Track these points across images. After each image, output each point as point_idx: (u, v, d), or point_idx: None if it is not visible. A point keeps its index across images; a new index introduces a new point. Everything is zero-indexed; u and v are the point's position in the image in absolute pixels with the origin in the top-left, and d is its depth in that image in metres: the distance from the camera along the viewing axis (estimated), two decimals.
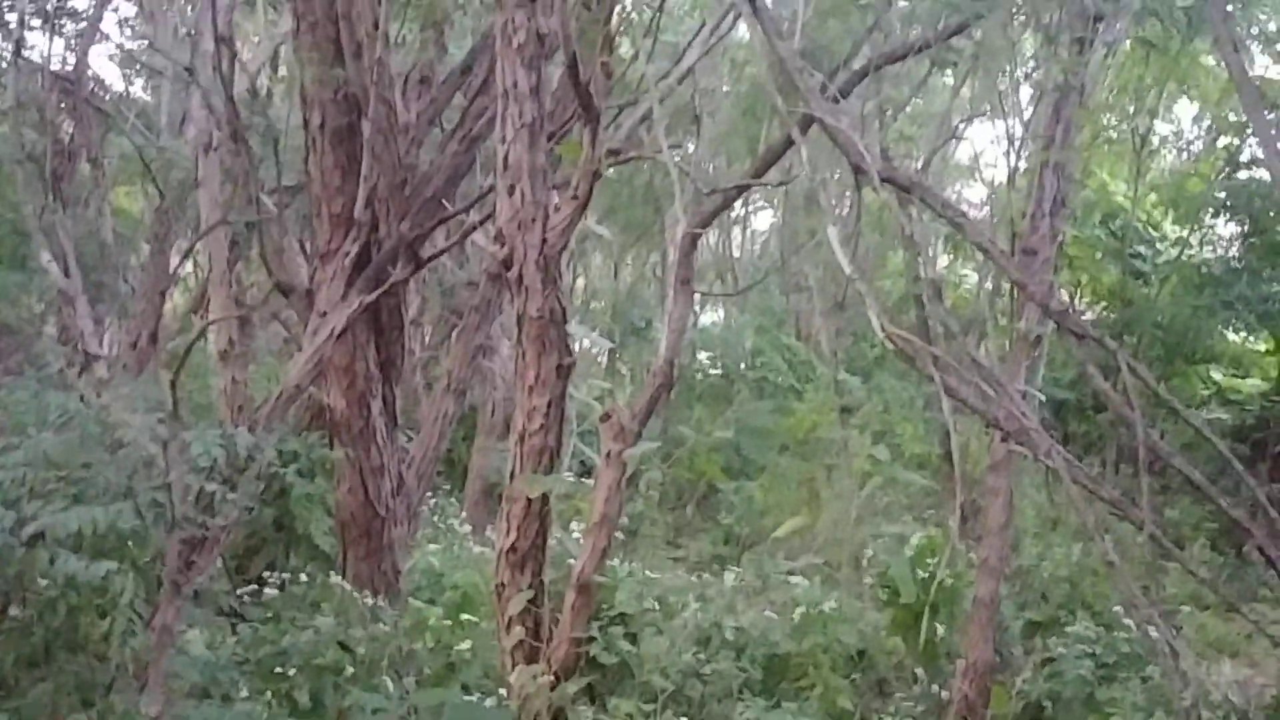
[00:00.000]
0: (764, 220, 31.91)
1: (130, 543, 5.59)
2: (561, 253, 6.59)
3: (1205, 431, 5.95)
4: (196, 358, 10.88)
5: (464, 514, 15.89)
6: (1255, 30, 17.37)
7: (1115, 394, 5.99)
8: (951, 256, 24.20)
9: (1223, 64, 16.43)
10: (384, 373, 9.03)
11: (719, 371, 25.01)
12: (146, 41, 16.45)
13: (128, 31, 17.49)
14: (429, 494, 13.40)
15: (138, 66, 17.47)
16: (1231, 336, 19.72)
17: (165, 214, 13.02)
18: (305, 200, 9.85)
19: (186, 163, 12.58)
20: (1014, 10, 15.77)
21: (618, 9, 10.88)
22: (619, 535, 14.82)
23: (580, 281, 28.98)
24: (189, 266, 18.00)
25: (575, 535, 8.80)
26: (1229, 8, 15.76)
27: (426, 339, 19.85)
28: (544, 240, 6.38)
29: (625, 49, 11.76)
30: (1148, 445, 5.54)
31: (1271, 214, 16.71)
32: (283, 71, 18.06)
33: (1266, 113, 16.61)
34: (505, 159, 6.43)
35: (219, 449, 5.92)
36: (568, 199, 6.51)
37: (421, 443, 10.47)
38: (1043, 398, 11.95)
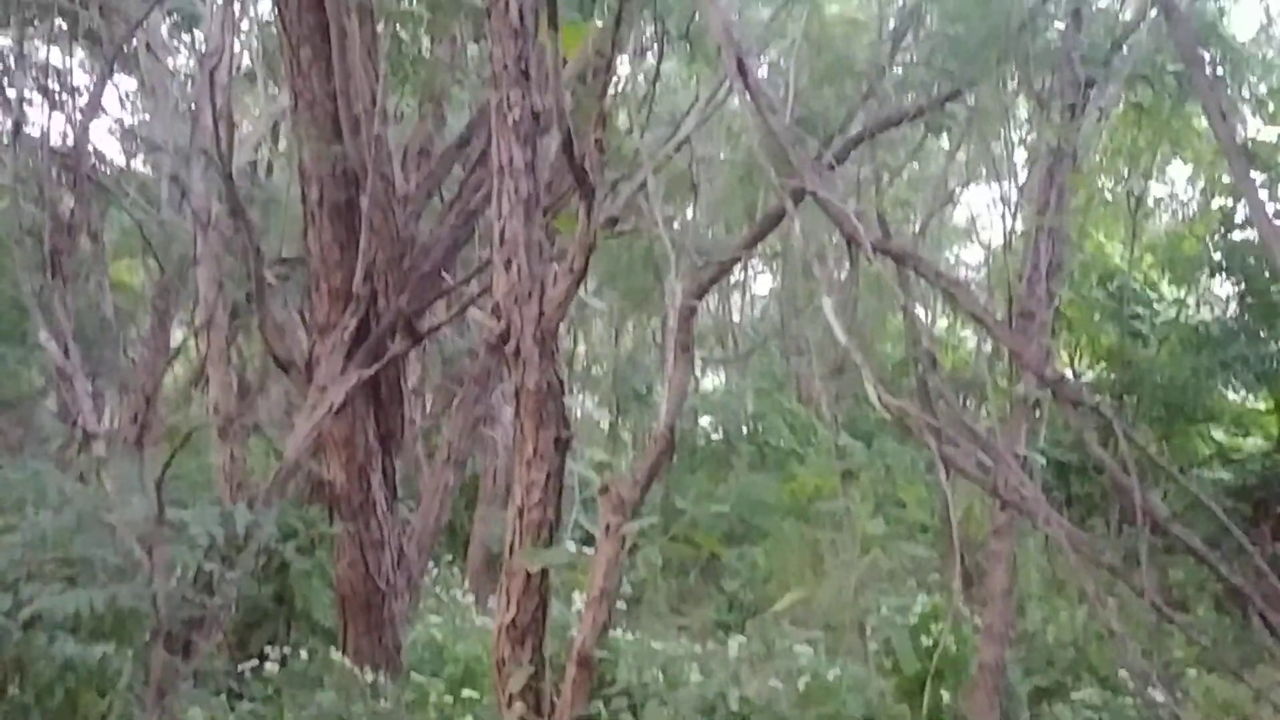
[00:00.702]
0: (764, 284, 32.09)
1: (128, 624, 5.58)
2: (559, 326, 6.61)
3: (1203, 496, 5.93)
4: (197, 435, 10.87)
5: (467, 584, 15.82)
6: (1246, 93, 17.53)
7: (1112, 460, 5.99)
8: (950, 318, 24.29)
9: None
10: (384, 445, 9.04)
11: (720, 436, 25.02)
12: (147, 116, 16.62)
13: (128, 106, 17.70)
14: (431, 564, 13.35)
15: (138, 141, 17.63)
16: (1231, 396, 19.72)
17: (165, 288, 13.09)
18: (305, 273, 9.92)
19: (186, 237, 12.68)
20: (1006, 76, 15.95)
21: (613, 82, 11.03)
22: (621, 604, 14.76)
23: (581, 348, 29.07)
24: (190, 339, 18.06)
25: (577, 607, 8.77)
26: (1219, 71, 15.95)
27: (428, 408, 19.88)
28: (541, 314, 6.41)
29: (623, 120, 11.90)
30: (1146, 511, 5.53)
31: (1266, 274, 16.76)
32: (283, 144, 18.23)
33: (1258, 175, 16.80)
34: (501, 233, 6.47)
35: (217, 527, 5.93)
36: (564, 272, 6.54)
37: (422, 515, 10.45)
38: (1043, 461, 11.96)
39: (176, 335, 15.78)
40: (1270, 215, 14.12)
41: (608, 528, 6.41)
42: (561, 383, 6.66)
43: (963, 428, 6.37)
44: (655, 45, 11.26)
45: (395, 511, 9.39)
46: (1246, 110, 17.99)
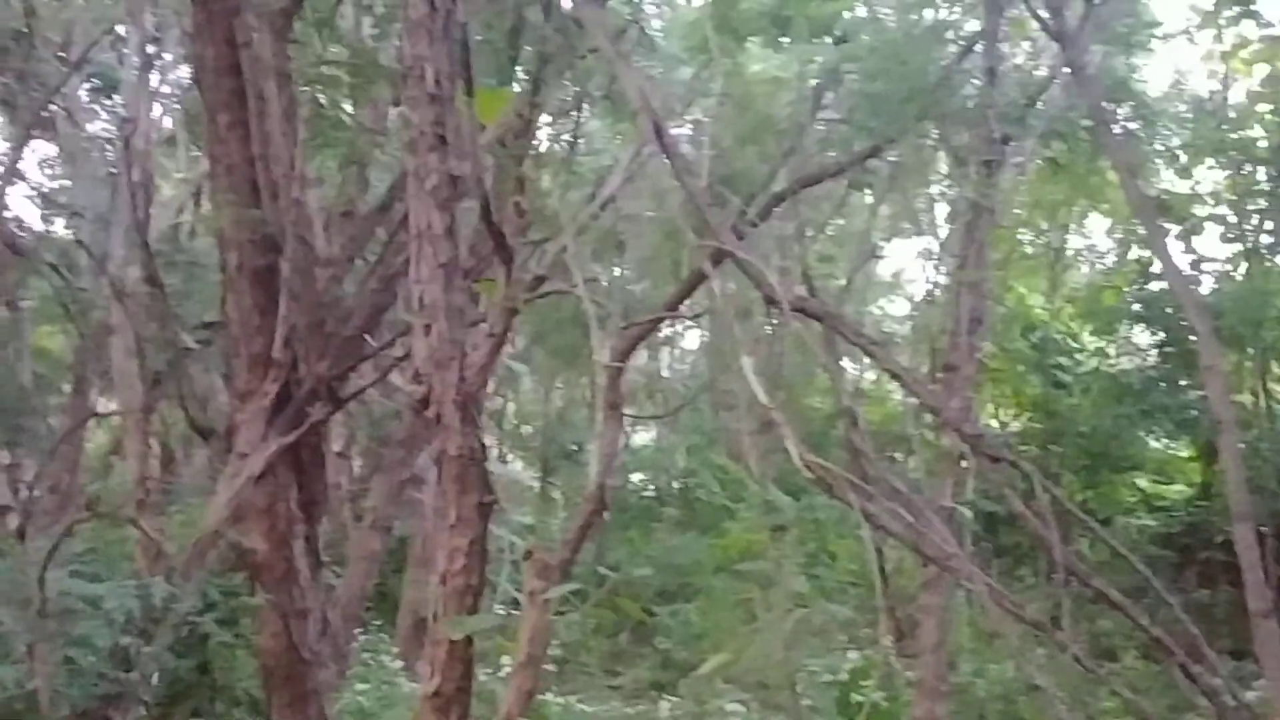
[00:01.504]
0: (693, 339, 32.20)
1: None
2: (480, 390, 6.57)
3: (1120, 548, 6.00)
4: (117, 504, 10.71)
5: (396, 649, 15.63)
6: (1160, 146, 17.94)
7: (1032, 515, 6.03)
8: (878, 372, 24.48)
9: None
10: (306, 513, 8.91)
11: (651, 493, 25.00)
12: (67, 182, 16.45)
13: (48, 171, 17.50)
14: (359, 631, 13.18)
15: (58, 207, 17.43)
16: (1154, 444, 20.03)
17: (84, 356, 12.90)
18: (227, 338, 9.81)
19: (106, 303, 12.52)
20: (925, 133, 16.22)
21: (535, 143, 11.08)
22: (552, 666, 14.64)
23: (511, 407, 28.97)
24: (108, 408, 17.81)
25: (505, 673, 8.68)
26: (1131, 126, 16.32)
27: (355, 471, 19.68)
28: (462, 379, 6.36)
29: (547, 180, 11.96)
30: (1066, 565, 5.58)
31: (1184, 324, 17.10)
32: (206, 208, 18.09)
33: (1173, 226, 17.16)
34: (420, 299, 6.42)
35: (134, 601, 5.81)
36: (485, 336, 6.51)
37: (348, 581, 10.33)
38: (969, 514, 12.06)
39: (98, 403, 15.54)
40: (1182, 268, 14.43)
41: (533, 593, 6.35)
42: (484, 447, 6.60)
43: (885, 484, 6.40)
44: (576, 107, 11.32)
45: (319, 579, 9.24)
46: (1161, 163, 18.42)
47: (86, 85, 16.69)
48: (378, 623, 16.73)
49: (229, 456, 8.57)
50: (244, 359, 8.59)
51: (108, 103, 17.71)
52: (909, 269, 24.88)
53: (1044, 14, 11.10)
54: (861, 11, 17.39)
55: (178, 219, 17.49)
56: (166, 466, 18.89)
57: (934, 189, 20.19)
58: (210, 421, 9.11)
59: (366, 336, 9.52)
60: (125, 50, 15.10)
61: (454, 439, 6.32)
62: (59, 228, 17.89)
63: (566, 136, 14.34)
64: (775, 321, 17.17)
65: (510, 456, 28.19)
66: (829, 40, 16.74)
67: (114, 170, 13.43)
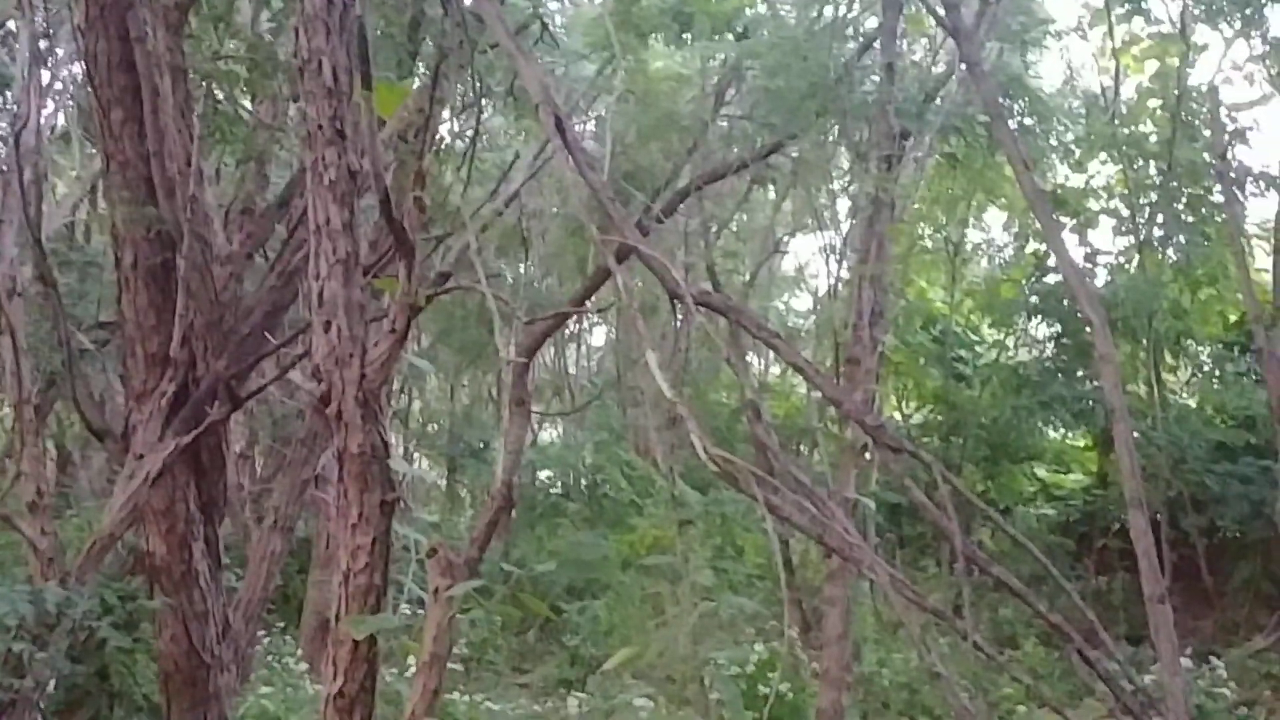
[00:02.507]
0: (599, 335, 32.20)
1: None
2: (381, 387, 6.51)
3: (1019, 536, 6.10)
4: (10, 506, 10.44)
5: (300, 651, 15.46)
6: (1054, 141, 18.29)
7: (933, 506, 6.11)
8: (783, 368, 24.67)
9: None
10: (206, 514, 8.77)
11: (559, 490, 24.96)
12: None
13: None
14: (262, 633, 13.01)
15: None
16: (1052, 434, 20.41)
17: None
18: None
19: None
20: (827, 129, 16.38)
21: (436, 138, 10.99)
22: (459, 666, 14.57)
23: (416, 404, 28.76)
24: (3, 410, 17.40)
25: (410, 673, 8.62)
26: (1026, 122, 16.62)
27: (258, 471, 19.43)
28: (362, 376, 6.29)
29: (449, 176, 11.86)
30: (966, 555, 5.65)
31: (1079, 316, 17.44)
32: (101, 206, 17.74)
33: (1067, 220, 17.50)
34: (320, 295, 6.35)
35: (27, 606, 5.68)
36: (386, 333, 6.45)
37: (249, 583, 10.18)
38: (872, 505, 12.20)
39: None
40: (1076, 261, 14.68)
41: (435, 591, 6.31)
42: (386, 445, 6.54)
43: (789, 477, 6.44)
44: (477, 102, 11.24)
45: (220, 581, 9.10)
46: (1055, 158, 18.77)
47: None
48: (281, 625, 16.54)
49: (126, 458, 8.42)
50: (140, 358, 8.44)
51: None
52: (812, 264, 25.06)
53: (940, 11, 11.24)
54: (762, 8, 17.53)
55: (72, 217, 17.12)
56: (63, 469, 18.51)
57: (836, 184, 20.39)
58: (107, 423, 8.92)
59: (266, 334, 9.39)
60: (15, 45, 14.75)
61: (355, 436, 6.26)
62: None
63: (468, 132, 14.25)
64: (680, 317, 17.26)
65: (416, 455, 27.99)
66: (730, 37, 16.83)
67: (4, 168, 13.09)
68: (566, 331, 27.07)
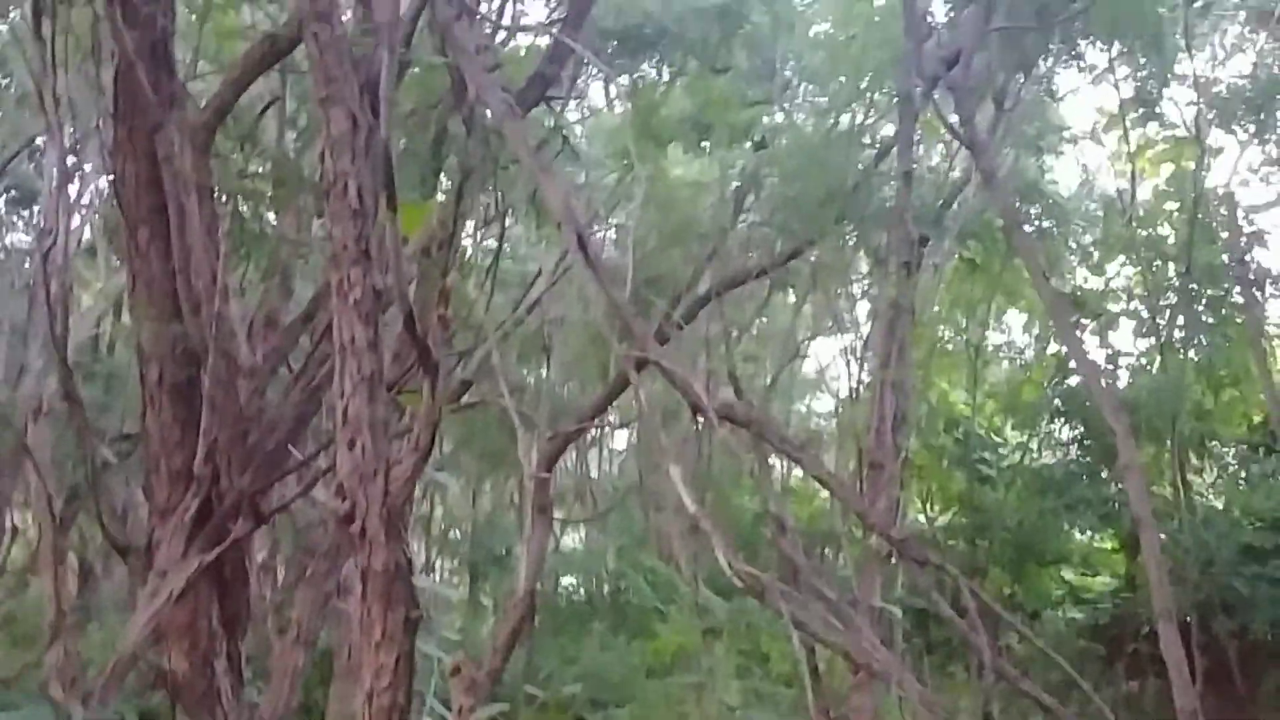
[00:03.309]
0: (621, 439, 32.15)
1: None
2: (405, 504, 6.52)
3: (1048, 649, 6.04)
4: (32, 621, 10.43)
5: None
6: (1073, 244, 18.38)
7: (959, 617, 6.07)
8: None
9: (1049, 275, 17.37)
10: (228, 630, 8.74)
11: (582, 597, 24.79)
12: None
13: None
14: None
15: None
16: (1078, 536, 20.22)
17: (0, 472, 12.65)
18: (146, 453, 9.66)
19: (23, 416, 12.32)
20: (845, 234, 16.51)
21: (459, 251, 11.11)
22: None
23: (438, 511, 28.69)
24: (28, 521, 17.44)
25: None
26: (1044, 224, 16.72)
27: (279, 581, 19.33)
28: (386, 492, 6.30)
29: (472, 286, 11.97)
30: (995, 669, 5.60)
31: (1102, 418, 17.39)
32: (125, 318, 17.93)
33: (1087, 321, 17.51)
34: (345, 412, 6.38)
35: None
36: (409, 450, 6.47)
37: (271, 698, 10.08)
38: (898, 612, 12.08)
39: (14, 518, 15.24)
40: (1098, 362, 14.61)
41: (460, 710, 6.27)
42: (410, 562, 6.54)
43: (814, 588, 6.41)
44: (500, 215, 11.38)
45: (242, 697, 9.04)
46: (1074, 260, 18.86)
47: (4, 195, 16.56)
48: None
49: (149, 574, 8.41)
50: (164, 474, 8.48)
51: (25, 213, 17.59)
52: (833, 366, 25.06)
53: (955, 124, 11.40)
54: (779, 117, 17.73)
55: (97, 330, 17.31)
56: (85, 581, 18.47)
57: (855, 287, 20.50)
58: (129, 537, 8.94)
59: (291, 448, 9.42)
60: (44, 161, 15.05)
61: (379, 554, 6.26)
62: None
63: (491, 242, 14.41)
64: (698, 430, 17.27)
65: (438, 562, 27.88)
66: (749, 145, 17.02)
67: (31, 283, 13.28)
68: (588, 436, 27.05)
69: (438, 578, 26.72)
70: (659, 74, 16.52)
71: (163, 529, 8.33)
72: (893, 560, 13.05)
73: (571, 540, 28.40)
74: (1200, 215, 16.70)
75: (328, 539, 11.08)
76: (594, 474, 30.24)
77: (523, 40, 14.19)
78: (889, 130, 16.28)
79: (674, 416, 18.02)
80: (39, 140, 14.79)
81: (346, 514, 6.38)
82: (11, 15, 13.65)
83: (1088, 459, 18.89)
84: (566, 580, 25.35)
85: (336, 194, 6.33)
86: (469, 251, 12.39)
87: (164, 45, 8.43)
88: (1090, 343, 17.76)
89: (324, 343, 9.51)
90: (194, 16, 9.41)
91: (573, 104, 17.39)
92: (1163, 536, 16.50)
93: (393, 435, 6.76)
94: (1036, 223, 16.63)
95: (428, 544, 27.11)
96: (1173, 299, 17.56)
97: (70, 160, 13.49)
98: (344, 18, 8.18)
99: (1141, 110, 16.95)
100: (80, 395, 9.26)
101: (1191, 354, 17.69)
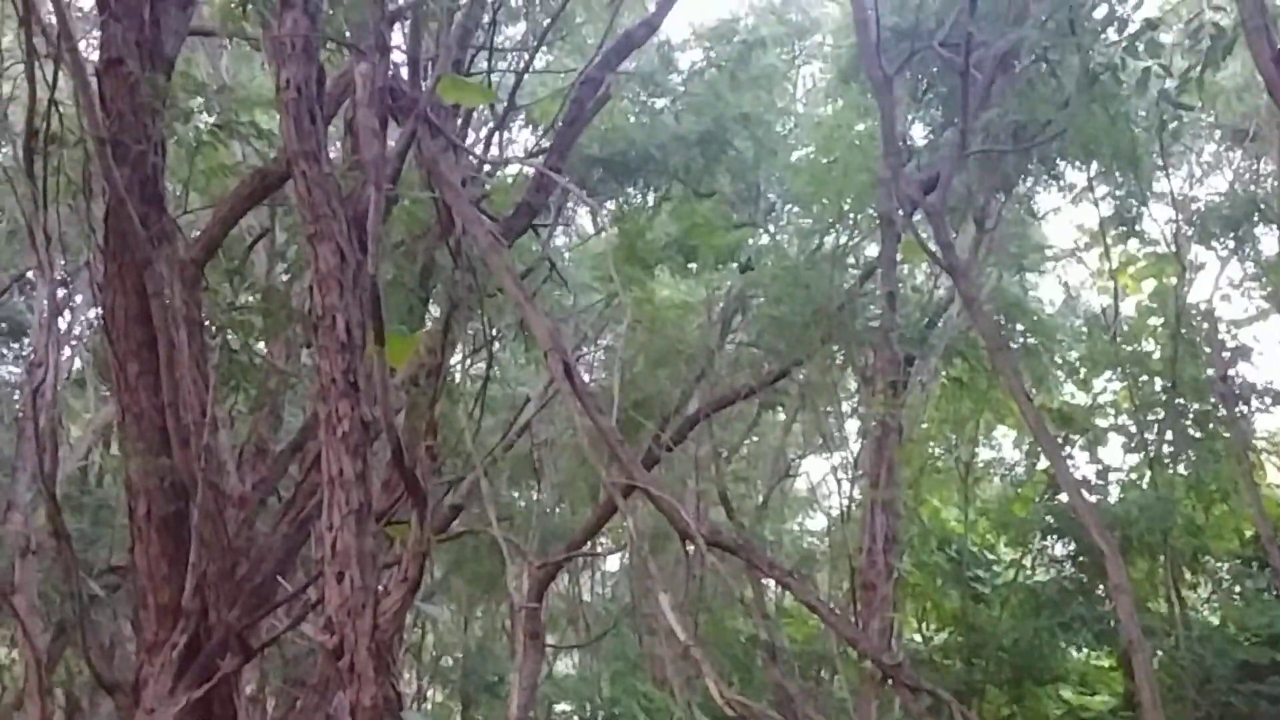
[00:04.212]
0: (613, 561, 31.90)
1: None
2: (394, 637, 6.50)
3: None
4: None
5: None
6: (1059, 359, 18.49)
7: None
8: None
9: (1036, 391, 17.46)
10: None
11: None
12: None
13: None
14: None
15: None
16: (1075, 654, 20.02)
17: None
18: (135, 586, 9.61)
19: (10, 553, 12.26)
20: (832, 354, 16.62)
21: (448, 379, 11.17)
22: None
23: (429, 638, 28.39)
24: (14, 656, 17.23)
25: None
26: (1029, 341, 16.85)
27: (268, 715, 19.05)
28: (375, 626, 6.29)
29: (460, 415, 12.00)
30: None
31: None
32: (115, 449, 17.91)
33: (1076, 437, 17.55)
34: (333, 546, 6.40)
35: None
36: (398, 581, 6.47)
37: None
38: None
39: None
40: (1088, 478, 14.59)
41: None
42: (400, 695, 6.50)
43: (806, 717, 6.38)
44: (488, 342, 11.47)
45: None
46: (1060, 375, 18.96)
47: None
48: None
49: (136, 711, 8.32)
50: (152, 609, 8.42)
51: (14, 346, 17.66)
52: (824, 484, 25.02)
53: (935, 250, 11.56)
54: (764, 239, 17.95)
55: (85, 461, 17.28)
56: (70, 717, 18.20)
57: (844, 406, 20.56)
58: (117, 673, 8.85)
59: (279, 578, 9.37)
60: (34, 294, 15.18)
61: (368, 689, 6.23)
62: None
63: (479, 368, 14.49)
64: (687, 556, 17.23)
65: (430, 692, 27.52)
66: (734, 267, 17.21)
67: (20, 415, 13.29)
68: (580, 560, 26.88)
69: (429, 706, 26.39)
70: (644, 199, 16.74)
71: (150, 664, 8.26)
72: (889, 683, 12.92)
73: (565, 665, 28.08)
74: (1183, 330, 16.84)
75: (317, 671, 10.97)
76: (586, 597, 29.97)
77: (512, 170, 14.44)
78: (872, 251, 16.50)
79: (666, 539, 17.99)
80: (29, 274, 14.92)
81: (335, 648, 6.36)
82: (3, 152, 13.86)
83: (1081, 576, 18.77)
84: (560, 707, 24.98)
85: (325, 328, 6.41)
86: (458, 378, 12.43)
87: (154, 182, 8.57)
88: (1080, 458, 17.78)
89: (313, 472, 9.52)
90: (184, 152, 9.54)
91: (560, 230, 17.60)
92: (1159, 654, 16.40)
93: (381, 567, 6.75)
94: (1021, 340, 16.75)
95: (418, 672, 26.79)
96: (1160, 414, 17.61)
97: (60, 294, 13.61)
98: (332, 154, 8.33)
99: (1121, 228, 17.19)
100: (67, 531, 9.22)
101: (1181, 468, 17.70)
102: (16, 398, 15.71)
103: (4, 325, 17.14)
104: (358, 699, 6.28)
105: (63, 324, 14.51)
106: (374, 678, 6.26)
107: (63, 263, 13.15)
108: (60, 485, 11.45)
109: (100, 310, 8.84)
